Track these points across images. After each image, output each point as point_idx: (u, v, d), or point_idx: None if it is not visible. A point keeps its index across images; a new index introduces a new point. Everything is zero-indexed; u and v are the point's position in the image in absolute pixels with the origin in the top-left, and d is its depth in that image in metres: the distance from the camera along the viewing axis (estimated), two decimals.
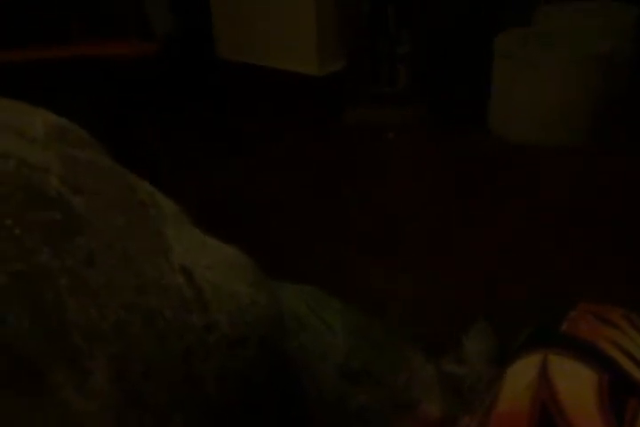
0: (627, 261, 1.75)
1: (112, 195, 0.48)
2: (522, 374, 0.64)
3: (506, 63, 2.52)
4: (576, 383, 0.61)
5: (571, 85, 2.49)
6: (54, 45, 1.48)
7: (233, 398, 0.44)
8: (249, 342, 0.46)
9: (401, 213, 2.05)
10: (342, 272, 1.74)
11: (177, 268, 0.46)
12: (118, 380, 0.38)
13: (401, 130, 2.48)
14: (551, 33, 2.63)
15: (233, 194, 2.15)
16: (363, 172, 2.31)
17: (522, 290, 1.61)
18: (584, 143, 2.46)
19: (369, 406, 0.67)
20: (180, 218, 0.53)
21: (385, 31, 2.44)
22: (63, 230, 0.42)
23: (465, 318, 1.15)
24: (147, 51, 1.35)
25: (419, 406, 0.70)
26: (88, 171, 0.48)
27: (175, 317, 0.43)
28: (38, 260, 0.40)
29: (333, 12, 2.62)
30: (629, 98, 2.60)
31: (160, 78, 2.46)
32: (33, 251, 0.40)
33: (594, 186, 2.16)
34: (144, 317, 0.42)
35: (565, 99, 2.50)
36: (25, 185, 0.42)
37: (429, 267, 1.77)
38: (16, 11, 1.69)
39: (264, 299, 0.50)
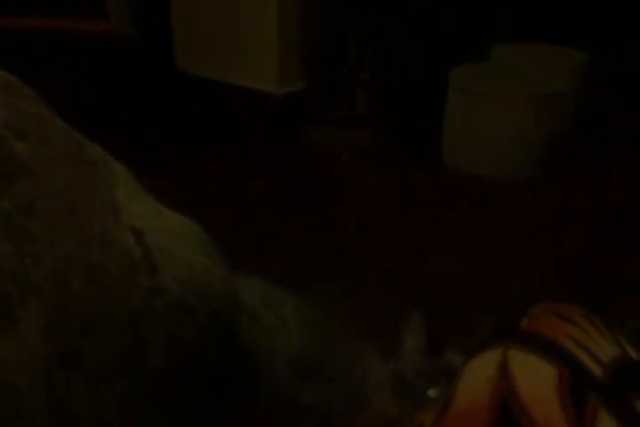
0: (576, 289, 1.78)
1: (59, 147, 0.44)
2: (481, 369, 0.62)
3: (460, 96, 2.57)
4: (536, 378, 0.59)
5: (523, 120, 2.55)
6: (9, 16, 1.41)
7: (180, 369, 0.40)
8: (199, 312, 0.43)
9: (352, 237, 2.04)
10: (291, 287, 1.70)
11: (126, 227, 0.42)
12: (51, 332, 0.34)
13: (356, 153, 2.49)
14: (506, 70, 2.70)
15: (180, 208, 2.10)
16: (315, 191, 2.30)
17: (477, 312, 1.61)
18: (532, 175, 2.52)
19: (320, 404, 0.64)
20: (133, 182, 0.49)
21: (345, 55, 2.47)
22: (2, 173, 0.38)
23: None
24: (101, 28, 1.31)
25: (372, 404, 0.67)
26: (35, 121, 0.44)
27: (120, 274, 0.39)
28: None
29: (296, 31, 2.64)
30: (574, 133, 2.69)
31: (118, 79, 2.42)
32: None
33: (546, 214, 2.20)
34: (86, 271, 0.38)
35: (517, 133, 2.56)
36: None
37: (381, 291, 1.75)
38: None
39: (219, 272, 0.47)
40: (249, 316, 0.65)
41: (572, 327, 0.63)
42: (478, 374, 0.61)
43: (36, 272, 0.36)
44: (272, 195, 2.24)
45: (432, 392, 0.71)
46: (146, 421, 0.38)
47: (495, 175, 2.52)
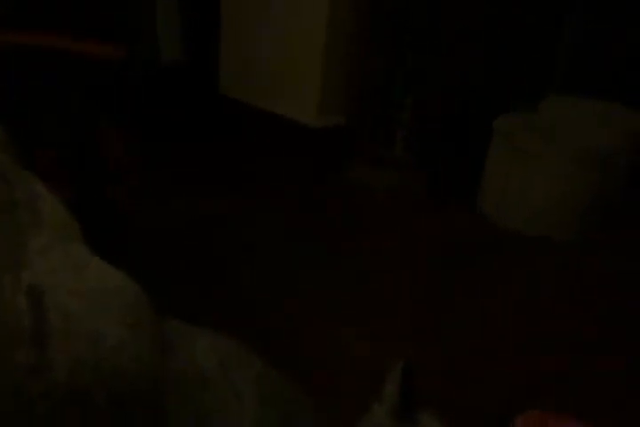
0: (611, 359, 1.66)
1: None
2: None
3: (503, 147, 2.48)
4: None
5: (566, 179, 2.45)
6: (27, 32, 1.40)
7: None
8: (95, 395, 0.36)
9: (377, 277, 1.97)
10: (303, 334, 1.64)
11: (23, 288, 0.36)
12: None
13: (391, 194, 2.42)
14: (554, 124, 2.61)
15: (209, 231, 2.07)
16: (345, 229, 2.24)
17: (492, 376, 1.51)
18: (570, 238, 2.40)
19: None
20: (67, 233, 0.43)
21: (389, 94, 2.41)
22: None
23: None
24: (114, 53, 1.28)
25: None
26: None
27: None
28: None
29: (342, 66, 2.60)
30: (623, 203, 2.57)
31: (159, 100, 2.44)
32: None
33: (578, 281, 2.09)
34: None
35: (558, 191, 2.45)
36: None
37: (399, 336, 1.67)
38: None
39: (137, 347, 0.40)
40: (199, 381, 0.58)
41: None
42: None
43: None
44: (294, 226, 2.20)
45: None
46: None
47: (529, 232, 2.42)
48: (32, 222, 0.41)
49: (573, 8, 2.79)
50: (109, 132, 1.46)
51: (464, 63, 2.53)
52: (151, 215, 2.09)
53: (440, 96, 2.51)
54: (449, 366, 1.59)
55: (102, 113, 1.44)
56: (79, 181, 1.25)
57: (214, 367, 0.61)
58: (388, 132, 2.50)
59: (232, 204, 2.30)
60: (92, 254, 0.44)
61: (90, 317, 0.39)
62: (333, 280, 1.94)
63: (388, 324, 1.76)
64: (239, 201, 2.32)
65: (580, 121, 2.66)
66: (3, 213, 0.39)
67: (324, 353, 1.60)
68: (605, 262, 2.22)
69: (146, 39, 2.16)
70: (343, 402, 1.30)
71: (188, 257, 1.94)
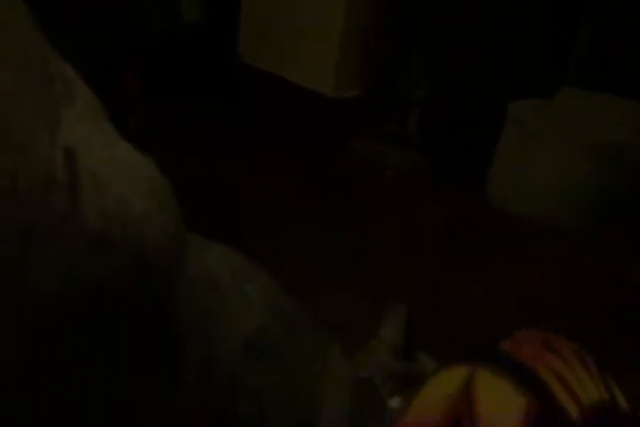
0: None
1: (12, 50, 0.40)
2: (442, 384, 0.55)
3: (516, 131, 2.48)
4: (500, 404, 0.52)
5: (576, 168, 2.45)
6: None
7: (78, 303, 0.35)
8: (118, 252, 0.37)
9: (375, 250, 1.98)
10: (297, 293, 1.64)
11: (58, 145, 0.38)
12: None
13: (398, 172, 2.42)
14: (570, 113, 2.61)
15: (215, 192, 2.09)
16: (349, 201, 2.25)
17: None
18: (577, 228, 2.40)
19: (267, 390, 0.58)
20: (97, 112, 0.45)
21: (404, 71, 2.41)
22: None
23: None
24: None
25: (324, 405, 0.61)
26: None
27: (29, 187, 0.34)
28: None
29: (360, 38, 2.60)
30: (631, 196, 2.56)
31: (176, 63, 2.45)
32: None
33: (582, 273, 2.09)
34: None
35: (567, 180, 2.46)
36: None
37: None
38: None
39: (161, 221, 0.42)
40: (209, 283, 0.60)
41: (557, 361, 0.56)
42: (439, 389, 0.55)
43: None
44: (299, 195, 2.20)
45: (392, 402, 0.64)
46: (27, 352, 0.33)
47: (537, 219, 2.42)
48: (65, 94, 0.42)
49: None
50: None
51: (479, 44, 2.53)
52: None
53: (456, 78, 2.51)
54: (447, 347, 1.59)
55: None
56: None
57: (224, 274, 0.63)
58: (401, 110, 2.50)
59: (238, 167, 2.30)
60: (120, 138, 0.46)
61: (119, 184, 0.41)
62: (328, 252, 1.94)
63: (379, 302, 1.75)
64: (245, 165, 2.33)
65: (595, 113, 2.65)
66: (38, 81, 0.41)
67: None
68: (610, 256, 2.21)
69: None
70: None
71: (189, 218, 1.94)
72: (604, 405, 0.54)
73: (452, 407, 0.51)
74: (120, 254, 0.38)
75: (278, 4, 2.75)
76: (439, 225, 2.26)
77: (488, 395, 0.52)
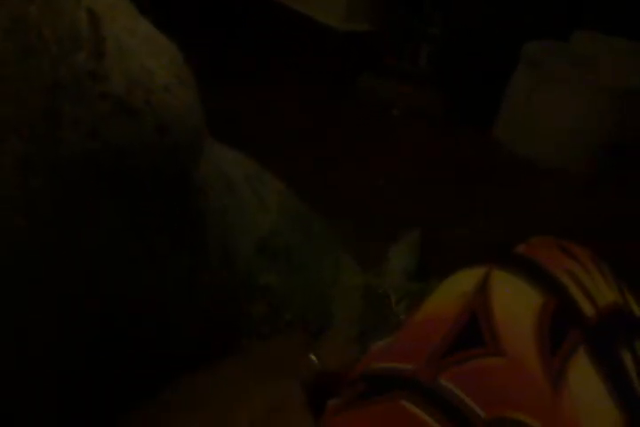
0: None
1: None
2: (457, 283, 0.55)
3: (529, 71, 2.44)
4: (517, 301, 0.52)
5: (589, 110, 2.42)
6: None
7: (104, 163, 0.34)
8: (143, 119, 0.36)
9: (380, 187, 1.97)
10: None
11: (83, 6, 0.36)
12: None
13: (407, 109, 2.39)
14: (585, 54, 2.55)
15: (220, 117, 2.06)
16: (354, 137, 2.23)
17: None
18: (582, 171, 2.39)
19: (278, 289, 0.58)
20: None
21: (418, 6, 2.35)
22: None
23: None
24: None
25: (335, 315, 0.61)
26: None
27: (56, 42, 0.33)
28: None
29: None
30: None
31: None
32: None
33: (576, 215, 2.09)
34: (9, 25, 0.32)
35: (578, 122, 2.42)
36: None
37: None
38: None
39: (184, 94, 0.41)
40: (226, 184, 0.59)
41: (574, 263, 0.55)
42: (454, 287, 0.54)
43: None
44: (306, 131, 2.18)
45: (403, 313, 0.65)
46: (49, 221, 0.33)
47: (543, 162, 2.40)
48: None
49: None
50: None
51: None
52: None
53: (470, 14, 2.45)
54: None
55: None
56: None
57: (240, 177, 0.62)
58: (413, 47, 2.45)
59: (242, 100, 2.26)
60: (145, 19, 0.44)
61: (142, 54, 0.40)
62: (335, 189, 1.93)
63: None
64: (249, 99, 2.29)
65: (610, 57, 2.60)
66: None
67: None
68: (611, 205, 2.20)
69: None
70: None
71: None
72: (618, 307, 0.54)
73: (468, 303, 0.51)
74: (143, 121, 0.37)
75: None
76: (446, 164, 2.24)
77: (505, 292, 0.51)
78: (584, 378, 0.45)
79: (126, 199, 0.38)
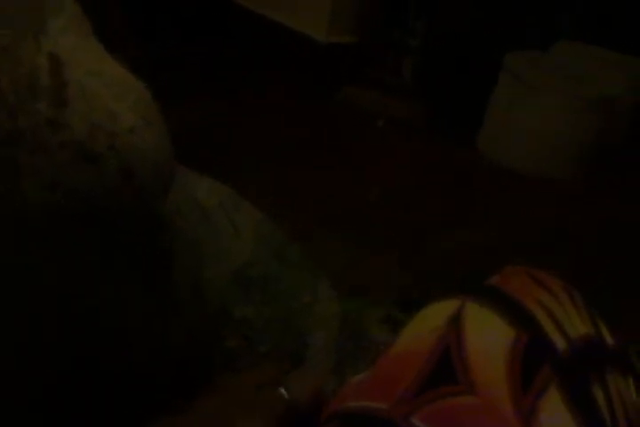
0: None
1: None
2: (431, 317, 0.55)
3: (511, 82, 2.46)
4: (489, 336, 0.52)
5: (570, 119, 2.44)
6: None
7: (64, 213, 0.34)
8: (105, 163, 0.36)
9: (361, 200, 1.98)
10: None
11: (44, 52, 0.36)
12: None
13: (392, 121, 2.41)
14: (565, 64, 2.58)
15: (198, 132, 2.06)
16: (339, 149, 2.24)
17: None
18: (568, 179, 2.41)
19: (254, 321, 0.58)
20: (86, 28, 0.43)
21: (401, 18, 2.37)
22: None
23: None
24: None
25: (312, 341, 0.61)
26: None
27: (13, 91, 0.32)
28: None
29: None
30: (623, 148, 2.56)
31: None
32: None
33: (565, 220, 2.11)
34: None
35: (560, 132, 2.45)
36: None
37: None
38: None
39: (150, 135, 0.40)
40: (200, 213, 0.59)
41: (545, 294, 0.56)
42: (426, 322, 0.54)
43: None
44: (289, 141, 2.18)
45: (380, 337, 0.65)
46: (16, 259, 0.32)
47: (525, 171, 2.42)
48: (52, 2, 0.40)
49: None
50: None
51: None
52: None
53: (452, 26, 2.46)
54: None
55: None
56: None
57: (214, 206, 0.62)
58: (396, 58, 2.46)
59: (226, 110, 2.27)
60: (106, 54, 0.44)
61: (107, 97, 0.39)
62: (320, 197, 1.93)
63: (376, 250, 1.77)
64: (234, 109, 2.29)
65: (590, 66, 2.63)
66: None
67: None
68: (600, 208, 2.23)
69: None
70: None
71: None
72: (591, 338, 0.54)
73: (441, 339, 0.51)
74: (106, 166, 0.37)
75: None
76: (429, 175, 2.26)
77: (477, 326, 0.51)
78: (555, 417, 0.45)
79: (94, 241, 0.38)
